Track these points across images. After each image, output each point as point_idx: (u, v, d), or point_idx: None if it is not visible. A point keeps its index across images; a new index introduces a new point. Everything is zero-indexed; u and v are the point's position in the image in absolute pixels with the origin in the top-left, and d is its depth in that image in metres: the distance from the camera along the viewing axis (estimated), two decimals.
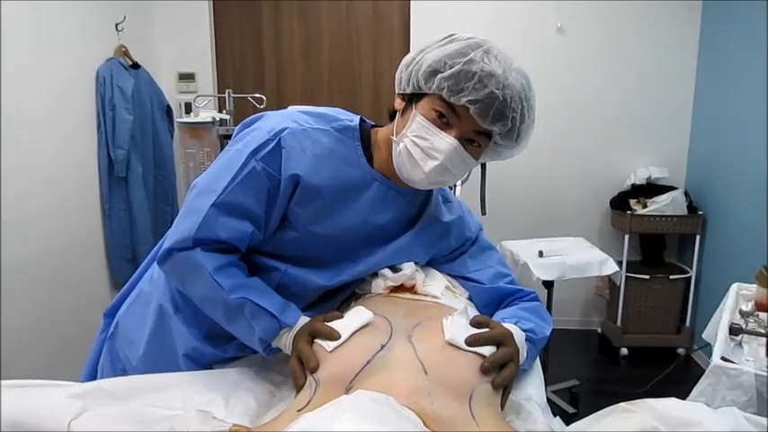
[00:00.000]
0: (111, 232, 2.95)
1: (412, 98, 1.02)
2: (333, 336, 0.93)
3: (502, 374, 0.92)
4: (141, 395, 0.93)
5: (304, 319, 1.00)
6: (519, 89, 0.96)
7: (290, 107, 2.48)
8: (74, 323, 2.57)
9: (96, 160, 2.86)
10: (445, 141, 0.98)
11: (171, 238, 1.00)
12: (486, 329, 0.96)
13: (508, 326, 1.01)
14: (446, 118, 0.98)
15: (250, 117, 1.11)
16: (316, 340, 0.94)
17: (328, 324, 0.95)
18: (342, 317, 0.98)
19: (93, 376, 1.27)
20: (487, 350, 0.92)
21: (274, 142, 1.00)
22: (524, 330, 1.03)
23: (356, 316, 0.96)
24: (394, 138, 1.04)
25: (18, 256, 2.29)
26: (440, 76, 0.96)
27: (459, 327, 0.94)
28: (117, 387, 0.94)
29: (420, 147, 0.99)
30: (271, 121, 1.04)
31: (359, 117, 1.11)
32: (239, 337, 1.04)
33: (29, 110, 2.37)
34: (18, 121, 2.29)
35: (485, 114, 0.95)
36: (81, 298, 2.69)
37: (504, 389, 0.93)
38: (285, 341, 0.99)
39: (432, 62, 0.97)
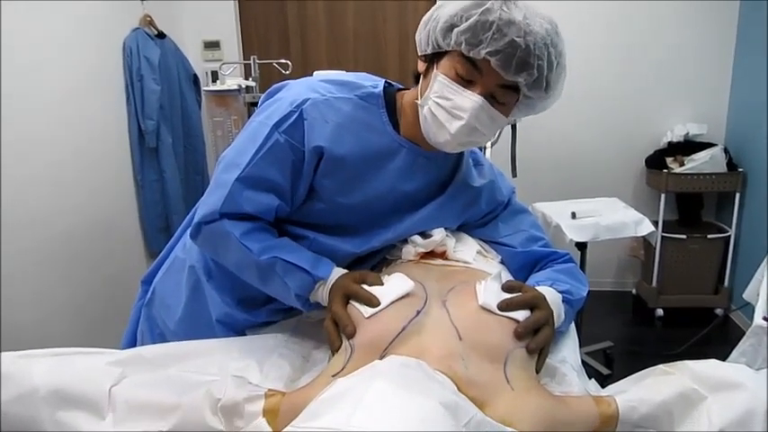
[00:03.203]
0: (145, 202, 3.00)
1: (433, 58, 0.99)
2: (372, 302, 0.92)
3: (536, 339, 0.91)
4: (178, 362, 0.95)
5: (338, 271, 1.01)
6: (543, 35, 0.91)
7: (315, 72, 2.44)
8: (112, 291, 2.64)
9: (127, 132, 2.89)
10: (469, 99, 0.94)
11: (199, 212, 1.02)
12: (520, 294, 0.95)
13: (543, 289, 1.00)
14: (468, 75, 0.94)
15: (273, 86, 1.09)
16: (352, 302, 0.94)
17: (368, 289, 0.94)
18: (382, 282, 0.97)
19: (132, 342, 1.31)
20: (521, 314, 0.91)
21: (297, 114, 0.99)
22: (560, 292, 1.02)
23: (397, 284, 0.95)
24: (419, 101, 1.01)
25: (57, 228, 2.34)
26: (456, 30, 0.92)
27: (491, 291, 0.93)
28: (155, 354, 0.96)
29: (444, 107, 0.96)
30: (293, 92, 1.03)
31: (383, 82, 1.08)
32: (278, 297, 1.05)
33: (58, 84, 2.39)
34: (47, 96, 2.32)
35: (507, 65, 0.90)
36: (118, 267, 2.75)
37: (540, 352, 0.92)
38: (321, 294, 0.99)
39: (447, 17, 0.93)
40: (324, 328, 0.95)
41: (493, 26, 0.89)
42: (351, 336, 0.89)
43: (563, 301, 1.01)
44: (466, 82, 0.94)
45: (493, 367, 0.84)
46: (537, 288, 1.00)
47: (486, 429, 0.72)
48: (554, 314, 0.97)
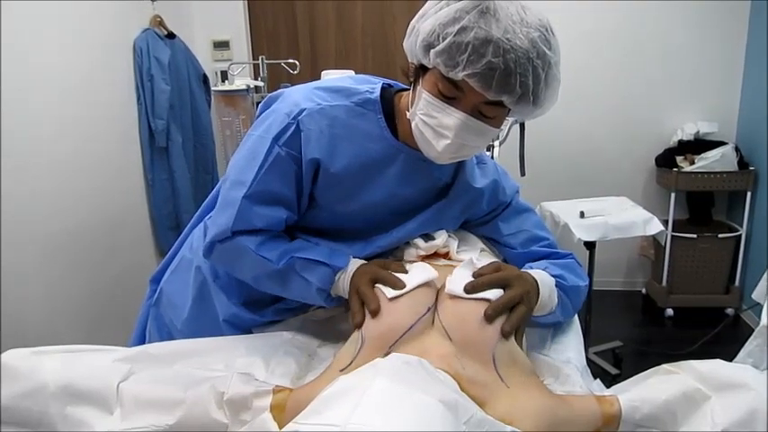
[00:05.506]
0: (155, 201, 3.03)
1: (419, 70, 0.97)
2: (397, 285, 0.92)
3: (510, 319, 0.88)
4: (185, 358, 0.96)
5: (357, 261, 1.02)
6: (526, 48, 0.85)
7: (323, 72, 2.45)
8: (122, 290, 2.67)
9: (138, 131, 2.92)
10: (453, 117, 0.91)
11: (211, 231, 1.03)
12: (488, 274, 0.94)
13: (533, 271, 1.00)
14: (450, 93, 0.91)
15: (269, 96, 1.10)
16: (377, 285, 0.94)
17: (394, 274, 0.95)
18: (405, 270, 0.97)
19: (141, 341, 1.32)
20: (492, 294, 0.89)
21: (294, 126, 0.99)
22: (552, 276, 1.01)
23: (420, 271, 0.95)
24: (408, 114, 1.00)
25: (68, 227, 2.37)
26: (432, 51, 0.88)
27: (460, 279, 0.92)
28: (162, 351, 0.98)
29: (430, 125, 0.94)
30: (289, 102, 1.02)
31: (381, 84, 1.07)
32: (300, 299, 1.06)
33: (69, 84, 2.41)
34: (58, 95, 2.34)
35: (487, 86, 0.86)
36: (129, 266, 2.78)
37: (516, 331, 0.90)
38: (342, 285, 1.00)
39: (425, 35, 0.90)
40: (349, 304, 0.95)
41: (469, 47, 0.85)
42: (375, 313, 0.89)
43: (556, 285, 1.01)
44: (450, 99, 0.92)
45: (484, 367, 0.84)
46: (524, 270, 1.00)
47: (487, 428, 0.72)
48: (545, 295, 0.97)
